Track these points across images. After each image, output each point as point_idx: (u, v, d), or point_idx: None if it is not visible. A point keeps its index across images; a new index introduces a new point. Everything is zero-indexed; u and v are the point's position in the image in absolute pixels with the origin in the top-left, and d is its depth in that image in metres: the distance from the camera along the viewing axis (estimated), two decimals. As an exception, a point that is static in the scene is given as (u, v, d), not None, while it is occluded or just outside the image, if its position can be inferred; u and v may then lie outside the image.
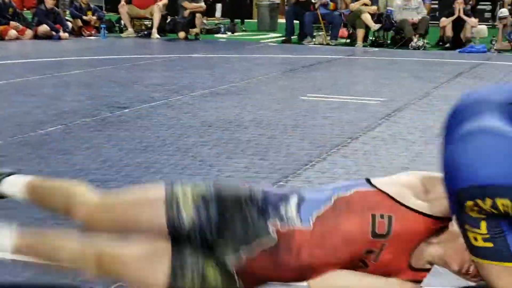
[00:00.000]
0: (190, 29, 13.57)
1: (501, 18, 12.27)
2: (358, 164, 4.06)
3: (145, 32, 13.85)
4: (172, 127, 5.03)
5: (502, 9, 12.77)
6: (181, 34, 13.35)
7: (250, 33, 15.73)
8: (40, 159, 4.03)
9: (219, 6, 16.64)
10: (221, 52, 10.99)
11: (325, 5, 13.12)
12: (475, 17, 13.48)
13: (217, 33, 15.22)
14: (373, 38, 13.00)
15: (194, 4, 13.48)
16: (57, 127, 4.92)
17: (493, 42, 11.82)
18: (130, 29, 13.65)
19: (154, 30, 13.48)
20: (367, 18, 12.57)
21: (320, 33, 13.30)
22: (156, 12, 13.50)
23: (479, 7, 16.63)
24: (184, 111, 5.65)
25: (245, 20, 17.04)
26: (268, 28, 16.58)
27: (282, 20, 15.12)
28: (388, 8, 13.26)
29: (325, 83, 7.53)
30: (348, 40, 13.21)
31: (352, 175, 3.81)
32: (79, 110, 5.57)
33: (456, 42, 12.18)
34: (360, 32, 12.60)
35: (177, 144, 4.50)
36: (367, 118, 5.46)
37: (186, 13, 13.43)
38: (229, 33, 15.41)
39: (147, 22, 14.13)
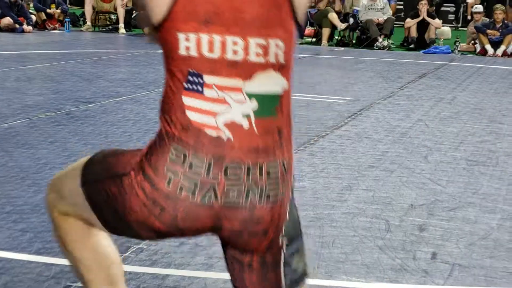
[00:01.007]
0: (156, 25, 13.45)
1: (475, 13, 12.42)
2: (325, 162, 4.07)
3: (110, 27, 13.73)
4: (138, 122, 4.99)
5: (477, 5, 12.93)
6: (146, 30, 13.23)
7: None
8: (4, 153, 3.96)
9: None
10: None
11: (291, 3, 13.12)
12: (439, 19, 13.66)
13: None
14: (339, 38, 13.07)
15: None
16: (21, 121, 4.83)
17: (457, 44, 11.98)
18: (89, 23, 13.51)
19: (121, 25, 13.37)
20: (333, 17, 12.63)
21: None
22: (119, 7, 13.40)
23: (443, 8, 16.85)
24: (150, 107, 5.60)
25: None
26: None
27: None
28: (354, 8, 13.35)
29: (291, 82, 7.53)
30: (314, 39, 13.25)
31: (319, 173, 3.82)
32: (44, 104, 5.49)
33: (421, 43, 12.32)
34: (326, 31, 12.66)
35: (143, 139, 4.46)
36: (334, 117, 5.48)
37: (152, 8, 13.31)
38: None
39: (113, 17, 14.00)
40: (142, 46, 10.88)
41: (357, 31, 12.94)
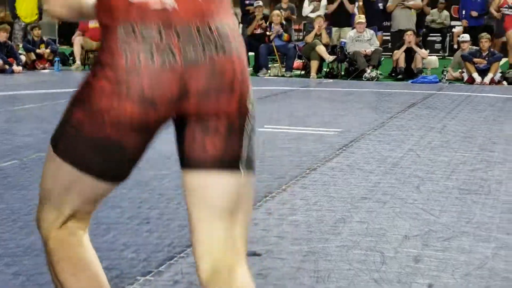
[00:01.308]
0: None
1: (462, 42, 12.56)
2: (317, 195, 4.06)
3: (99, 65, 13.78)
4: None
5: (464, 34, 13.09)
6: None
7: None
8: (-6, 196, 3.93)
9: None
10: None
11: (279, 37, 13.27)
12: (426, 49, 13.81)
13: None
14: (328, 70, 13.17)
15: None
16: (12, 162, 4.81)
17: (444, 73, 12.09)
18: (78, 62, 13.56)
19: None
20: (321, 50, 12.74)
21: (275, 64, 13.43)
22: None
23: (429, 38, 17.04)
24: (141, 144, 5.59)
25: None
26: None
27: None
28: (341, 40, 13.48)
29: (282, 115, 7.57)
30: (303, 72, 13.35)
31: (312, 206, 3.81)
32: (34, 145, 5.47)
33: (408, 73, 12.43)
34: (315, 64, 12.76)
35: (135, 177, 4.42)
36: (325, 149, 5.50)
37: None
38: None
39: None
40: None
41: (345, 62, 13.05)
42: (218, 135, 1.57)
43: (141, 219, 3.54)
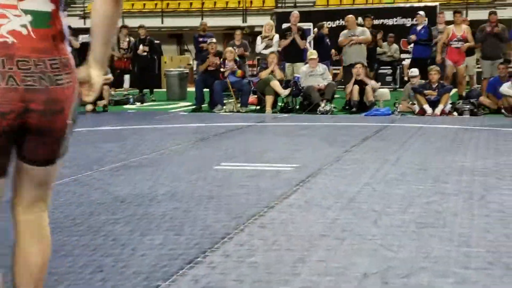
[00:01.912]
0: (98, 101, 13.40)
1: (411, 77, 12.79)
2: (276, 234, 4.02)
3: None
4: (82, 205, 4.86)
5: (413, 69, 13.34)
6: (89, 107, 13.16)
7: (160, 102, 15.71)
8: None
9: (127, 77, 16.57)
10: (131, 124, 10.88)
11: (233, 73, 13.32)
12: (377, 81, 14.03)
13: (126, 104, 15.12)
14: (282, 104, 13.24)
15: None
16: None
17: (397, 105, 12.27)
18: None
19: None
20: (275, 84, 12.82)
21: (230, 100, 13.45)
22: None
23: (380, 71, 17.34)
24: (94, 187, 5.49)
25: (155, 90, 17.03)
26: (177, 97, 16.62)
27: (191, 89, 15.19)
28: (295, 75, 13.60)
29: (238, 151, 7.54)
30: (258, 107, 13.39)
31: (270, 246, 3.76)
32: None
33: (362, 106, 12.57)
34: (270, 99, 12.81)
35: (87, 223, 4.34)
36: (282, 186, 5.47)
37: (94, 85, 13.28)
38: (138, 104, 15.34)
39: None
40: (85, 124, 10.77)
41: (299, 97, 13.15)
42: (47, 145, 2.28)
43: (94, 267, 3.44)
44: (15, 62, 2.12)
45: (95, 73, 2.35)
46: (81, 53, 14.79)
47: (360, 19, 15.13)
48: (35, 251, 2.42)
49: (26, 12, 2.16)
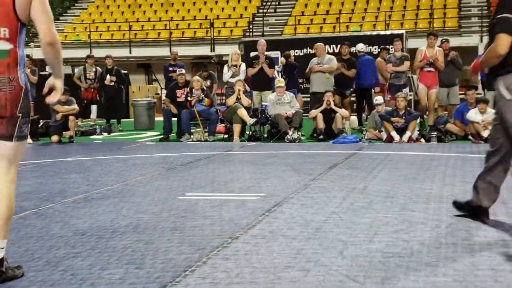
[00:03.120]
0: (64, 132, 13.22)
1: (376, 105, 12.87)
2: (239, 266, 3.92)
3: (16, 137, 13.37)
4: (41, 238, 4.71)
5: (378, 97, 13.41)
6: (54, 138, 12.98)
7: (127, 132, 15.56)
8: None
9: (94, 108, 16.42)
10: (97, 154, 10.71)
11: (200, 102, 13.26)
12: (351, 110, 14.12)
13: (93, 134, 14.95)
14: (250, 133, 13.19)
15: (66, 107, 13.21)
16: None
17: (364, 132, 12.30)
18: None
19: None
20: (242, 113, 12.78)
21: (198, 129, 13.37)
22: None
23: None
24: (55, 220, 5.33)
25: (122, 120, 16.88)
26: (145, 127, 16.51)
27: (159, 118, 15.09)
28: (263, 103, 13.59)
29: (204, 181, 7.44)
30: (226, 136, 13.33)
31: (233, 279, 3.66)
32: None
33: (329, 133, 12.58)
34: (237, 127, 12.77)
35: (46, 257, 4.19)
36: (247, 216, 5.38)
37: (58, 116, 13.13)
38: (105, 134, 15.18)
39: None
40: (49, 156, 10.60)
41: (267, 125, 13.13)
42: (2, 124, 3.61)
43: (49, 304, 3.29)
44: None
45: (57, 81, 3.75)
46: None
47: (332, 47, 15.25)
48: None
49: None
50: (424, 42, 13.69)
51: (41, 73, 16.63)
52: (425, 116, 13.56)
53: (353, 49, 16.04)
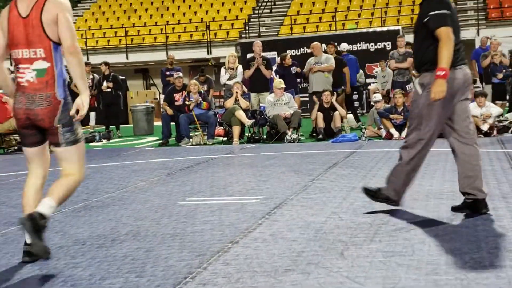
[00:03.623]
0: (63, 140, 13.20)
1: (375, 102, 12.84)
2: (240, 270, 3.90)
3: (16, 147, 13.36)
4: (41, 249, 4.68)
5: (376, 94, 13.39)
6: (53, 147, 12.95)
7: (126, 138, 15.55)
8: None
9: (92, 115, 16.41)
10: (96, 162, 10.70)
11: (198, 105, 13.25)
12: (348, 109, 14.07)
13: (92, 141, 14.94)
14: (249, 134, 13.18)
15: (64, 115, 13.19)
16: None
17: (363, 130, 12.29)
18: None
19: (25, 144, 13.01)
20: (240, 115, 12.77)
21: (197, 133, 13.35)
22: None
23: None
24: (54, 230, 5.31)
25: (121, 126, 16.87)
26: (144, 133, 16.50)
27: (158, 123, 15.08)
28: (260, 104, 13.57)
29: (204, 185, 7.42)
30: (225, 138, 13.31)
31: (234, 284, 3.64)
32: None
33: (328, 132, 12.57)
34: (236, 129, 12.75)
35: (46, 268, 4.18)
36: (247, 219, 5.36)
37: (57, 124, 13.10)
38: (105, 141, 15.17)
39: (17, 136, 13.65)
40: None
41: (266, 126, 13.12)
42: (49, 135, 4.26)
43: (49, 317, 3.28)
44: (25, 94, 4.18)
45: (83, 97, 4.15)
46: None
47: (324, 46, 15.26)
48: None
49: (34, 70, 4.15)
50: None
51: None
52: None
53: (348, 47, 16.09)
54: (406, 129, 11.78)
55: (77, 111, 4.14)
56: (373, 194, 5.51)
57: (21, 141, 4.39)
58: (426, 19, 4.94)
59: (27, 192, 4.31)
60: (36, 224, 4.00)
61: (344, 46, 16.01)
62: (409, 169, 5.29)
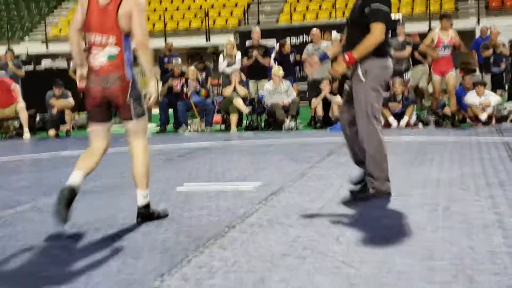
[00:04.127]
0: (61, 126, 13.20)
1: None
2: (236, 255, 3.91)
3: (14, 133, 13.37)
4: (38, 232, 4.70)
5: None
6: (51, 132, 12.96)
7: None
8: None
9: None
10: (94, 147, 10.68)
11: (197, 93, 13.24)
12: (342, 97, 14.01)
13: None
14: (247, 122, 13.18)
15: (62, 101, 13.18)
16: None
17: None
18: None
19: (26, 130, 13.02)
20: (238, 102, 12.76)
21: (195, 120, 13.35)
22: (21, 111, 13.08)
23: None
24: (51, 215, 5.31)
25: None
26: (142, 119, 16.45)
27: (156, 110, 15.05)
28: (259, 92, 13.56)
29: (202, 171, 7.43)
30: (223, 126, 13.31)
31: (230, 267, 3.65)
32: None
33: (327, 120, 12.57)
34: (234, 117, 12.75)
35: (43, 251, 4.19)
36: (244, 205, 5.37)
37: (55, 110, 13.09)
38: (103, 127, 15.14)
39: (16, 123, 13.66)
40: (47, 149, 10.58)
41: (264, 114, 13.11)
42: (119, 108, 4.82)
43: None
44: (101, 75, 4.74)
45: (150, 86, 4.88)
46: (47, 77, 14.62)
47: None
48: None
49: (106, 54, 4.70)
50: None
51: (36, 68, 16.63)
52: (446, 102, 12.72)
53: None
54: (405, 117, 11.80)
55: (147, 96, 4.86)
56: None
57: (90, 119, 4.91)
58: (367, 10, 5.17)
59: (84, 156, 4.92)
60: (146, 213, 4.92)
61: (334, 35, 15.87)
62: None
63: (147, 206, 4.90)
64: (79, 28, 4.76)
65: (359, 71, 5.28)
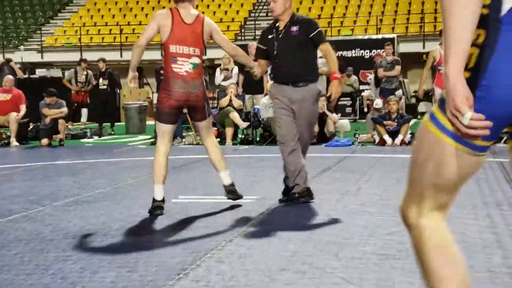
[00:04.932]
0: (54, 135, 13.13)
1: (375, 109, 12.81)
2: (233, 269, 3.86)
3: (5, 141, 13.29)
4: (31, 242, 4.63)
5: (377, 100, 13.34)
6: (44, 141, 12.88)
7: (118, 136, 15.46)
8: None
9: (84, 111, 16.31)
10: (87, 158, 10.62)
11: (192, 106, 13.19)
12: (337, 112, 14.01)
13: (83, 138, 14.85)
14: (243, 136, 13.14)
15: (54, 110, 13.11)
16: None
17: (357, 136, 12.27)
18: None
19: (12, 139, 13.02)
20: (235, 116, 12.73)
21: (190, 133, 13.29)
22: (12, 121, 13.09)
23: (340, 103, 17.40)
24: (45, 223, 5.25)
25: (115, 124, 16.78)
26: (137, 131, 16.41)
27: (151, 122, 15.01)
28: (255, 106, 13.53)
29: (197, 184, 7.38)
30: (218, 139, 13.25)
31: (227, 282, 3.60)
32: None
33: (322, 136, 12.55)
34: (229, 131, 12.71)
35: (36, 261, 4.12)
36: (241, 218, 5.33)
37: (48, 119, 13.02)
38: (96, 137, 15.08)
39: (7, 131, 13.61)
40: (39, 159, 10.51)
41: (259, 128, 13.07)
42: (198, 113, 5.83)
43: (40, 308, 3.22)
44: (187, 82, 5.64)
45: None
46: (41, 86, 14.56)
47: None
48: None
49: (190, 63, 5.61)
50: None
51: (31, 76, 16.58)
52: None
53: (339, 53, 16.04)
54: (399, 135, 11.80)
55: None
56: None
57: (164, 120, 5.66)
58: (313, 34, 5.91)
59: (159, 159, 5.70)
60: (234, 189, 5.99)
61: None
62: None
63: (233, 184, 5.90)
64: (150, 40, 5.58)
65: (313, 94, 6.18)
